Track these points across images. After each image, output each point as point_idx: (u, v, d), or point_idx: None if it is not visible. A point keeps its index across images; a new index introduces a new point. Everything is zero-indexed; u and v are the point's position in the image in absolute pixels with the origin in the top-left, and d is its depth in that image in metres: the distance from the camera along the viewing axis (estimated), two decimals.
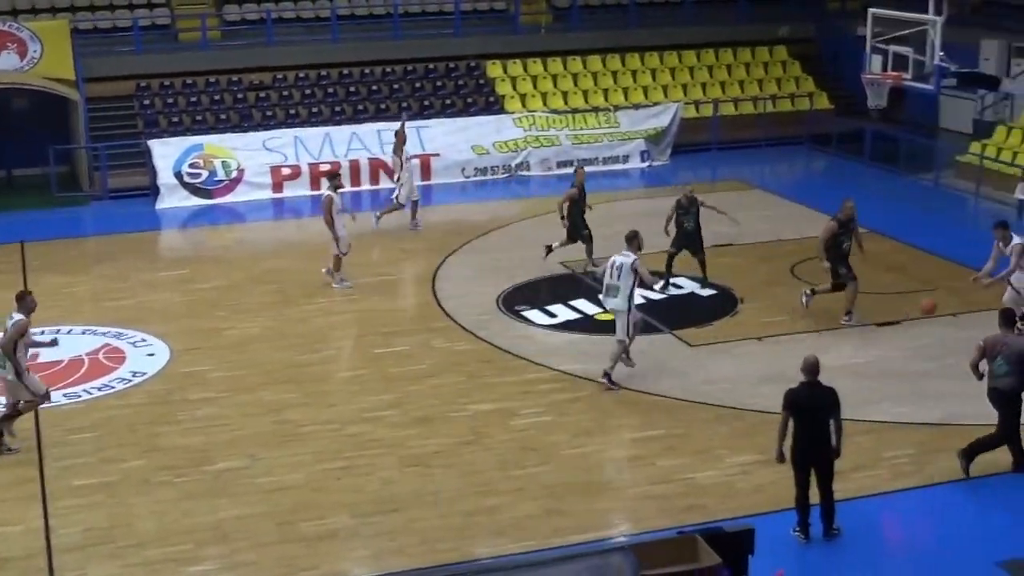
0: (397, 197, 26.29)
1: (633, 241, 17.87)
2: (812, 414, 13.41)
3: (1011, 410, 15.05)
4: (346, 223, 22.27)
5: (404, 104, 32.49)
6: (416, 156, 27.05)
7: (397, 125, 30.24)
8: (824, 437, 13.44)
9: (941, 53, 23.60)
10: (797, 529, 13.73)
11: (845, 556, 13.60)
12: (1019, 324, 18.98)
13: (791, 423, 13.55)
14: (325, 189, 22.76)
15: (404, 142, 26.43)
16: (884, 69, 24.59)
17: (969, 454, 15.07)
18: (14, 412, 16.15)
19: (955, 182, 29.78)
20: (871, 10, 25.29)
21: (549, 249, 23.20)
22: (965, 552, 13.54)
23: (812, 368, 13.50)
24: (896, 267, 23.02)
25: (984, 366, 15.14)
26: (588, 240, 22.99)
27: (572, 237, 23.08)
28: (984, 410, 16.80)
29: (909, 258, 23.72)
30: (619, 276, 17.62)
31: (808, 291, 20.47)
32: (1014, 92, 30.94)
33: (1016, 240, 19.15)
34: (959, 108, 34.32)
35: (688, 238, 22.05)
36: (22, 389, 16.00)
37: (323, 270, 22.49)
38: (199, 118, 31.58)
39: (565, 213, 22.94)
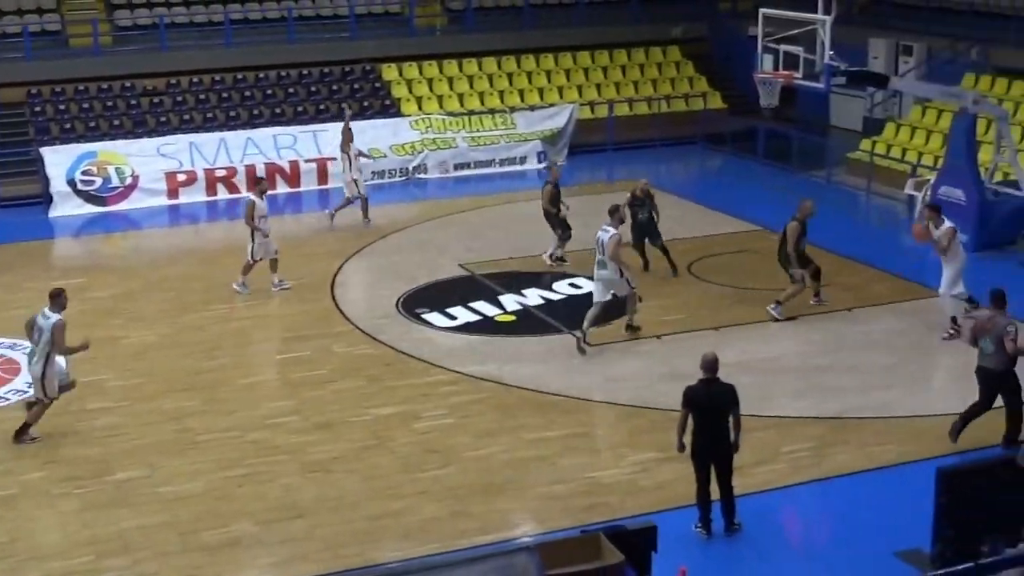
0: (360, 190, 26.53)
1: (615, 214, 19.18)
2: (711, 411, 13.55)
3: (1003, 387, 15.40)
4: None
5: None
6: (361, 154, 27.12)
7: (292, 129, 30.31)
8: (723, 434, 13.60)
9: (831, 52, 23.98)
10: (699, 525, 13.88)
11: (747, 551, 13.78)
12: (952, 330, 19.48)
13: (691, 420, 13.71)
14: (251, 193, 22.78)
15: (351, 140, 26.65)
16: (775, 68, 24.94)
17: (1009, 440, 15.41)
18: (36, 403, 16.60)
19: (847, 179, 30.28)
20: (762, 10, 25.64)
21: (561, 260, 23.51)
22: (864, 543, 13.77)
23: (710, 365, 13.63)
24: None
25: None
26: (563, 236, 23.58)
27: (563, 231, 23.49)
28: (878, 403, 17.18)
29: None
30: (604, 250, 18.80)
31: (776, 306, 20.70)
32: (902, 90, 31.51)
33: (947, 224, 19.50)
34: (849, 106, 34.94)
35: (642, 228, 22.57)
36: (39, 386, 16.44)
37: (275, 281, 22.36)
38: (92, 125, 31.18)
39: (556, 209, 23.42)
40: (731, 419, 13.58)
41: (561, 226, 23.35)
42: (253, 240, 21.97)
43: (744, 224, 25.06)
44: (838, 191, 29.51)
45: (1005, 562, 9.66)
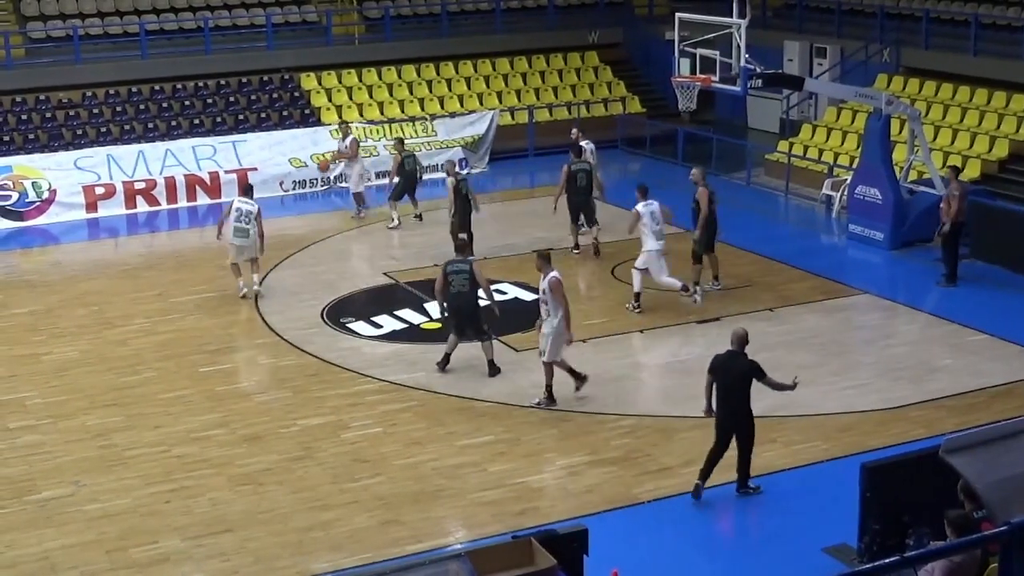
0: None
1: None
2: (728, 381, 14.30)
3: None
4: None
5: (219, 119, 32.27)
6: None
7: (212, 140, 30.24)
8: (742, 407, 14.33)
9: (747, 55, 24.21)
10: (699, 480, 14.52)
11: (677, 551, 13.91)
12: (631, 304, 20.78)
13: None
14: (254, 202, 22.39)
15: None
16: (693, 72, 25.11)
17: None
18: None
19: (765, 180, 30.57)
20: (678, 15, 25.83)
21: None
22: (792, 540, 13.95)
23: (738, 340, 14.42)
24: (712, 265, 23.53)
25: None
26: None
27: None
28: (801, 401, 17.39)
29: (724, 255, 24.15)
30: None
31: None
32: (817, 91, 31.89)
33: (637, 207, 20.87)
34: (766, 108, 35.29)
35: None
36: None
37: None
38: (6, 139, 30.73)
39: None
40: (766, 385, 14.44)
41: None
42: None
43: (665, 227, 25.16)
44: (757, 193, 29.81)
45: (931, 554, 9.80)
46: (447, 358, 18.64)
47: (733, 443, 14.54)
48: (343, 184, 30.91)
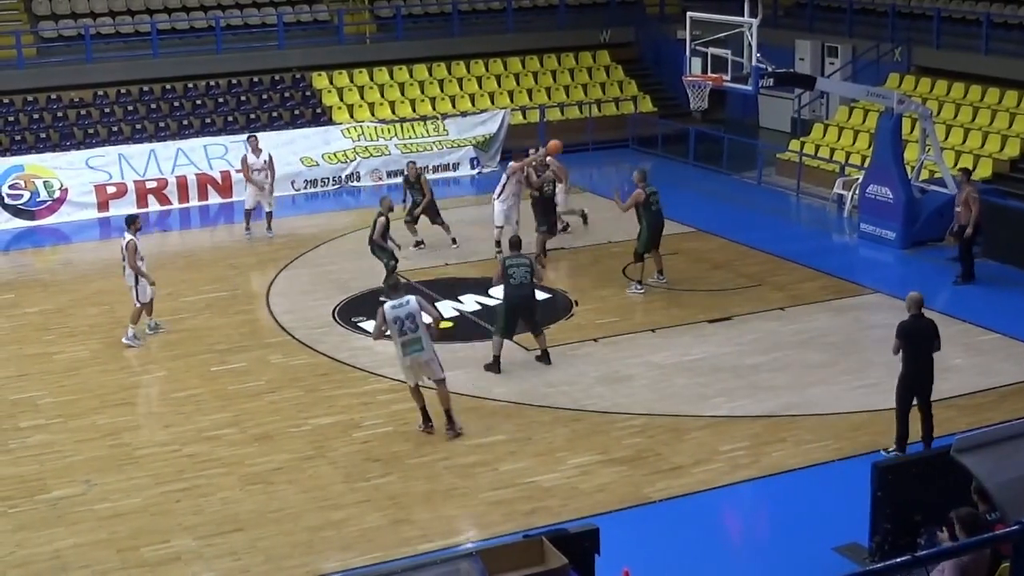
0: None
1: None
2: (918, 342, 15.20)
3: None
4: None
5: (230, 118, 32.30)
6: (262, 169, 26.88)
7: (223, 139, 30.21)
8: (929, 365, 15.24)
9: (758, 54, 24.18)
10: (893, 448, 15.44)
11: (688, 551, 13.86)
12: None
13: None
14: (127, 234, 20.31)
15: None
16: (704, 71, 25.09)
17: None
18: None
19: (777, 179, 30.51)
20: (689, 13, 25.79)
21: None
22: (803, 540, 13.91)
23: (916, 303, 15.32)
24: (723, 264, 23.53)
25: None
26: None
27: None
28: (812, 400, 17.37)
29: (735, 255, 24.26)
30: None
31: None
32: (829, 91, 31.84)
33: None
34: (778, 107, 35.23)
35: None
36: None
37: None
38: (18, 138, 30.81)
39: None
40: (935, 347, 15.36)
41: (388, 256, 22.50)
42: (138, 283, 20.26)
43: (677, 226, 25.11)
44: (768, 192, 29.76)
45: (942, 553, 9.77)
46: (497, 360, 18.68)
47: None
48: (354, 183, 30.99)
